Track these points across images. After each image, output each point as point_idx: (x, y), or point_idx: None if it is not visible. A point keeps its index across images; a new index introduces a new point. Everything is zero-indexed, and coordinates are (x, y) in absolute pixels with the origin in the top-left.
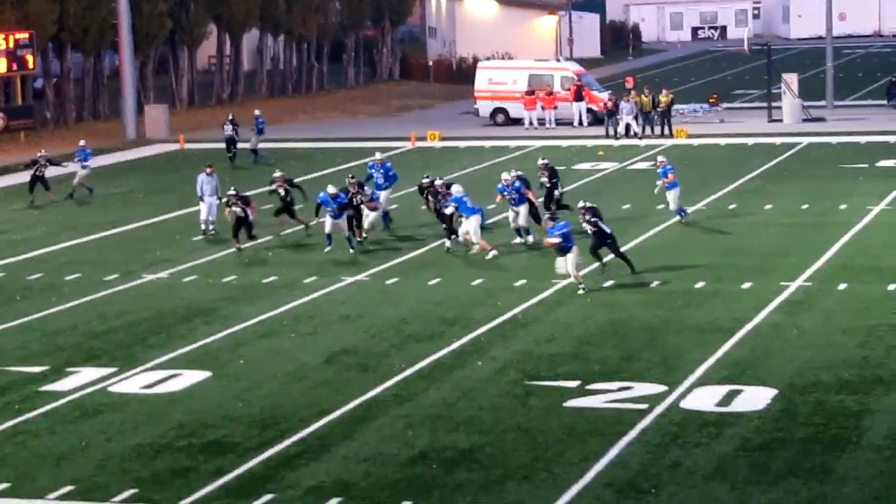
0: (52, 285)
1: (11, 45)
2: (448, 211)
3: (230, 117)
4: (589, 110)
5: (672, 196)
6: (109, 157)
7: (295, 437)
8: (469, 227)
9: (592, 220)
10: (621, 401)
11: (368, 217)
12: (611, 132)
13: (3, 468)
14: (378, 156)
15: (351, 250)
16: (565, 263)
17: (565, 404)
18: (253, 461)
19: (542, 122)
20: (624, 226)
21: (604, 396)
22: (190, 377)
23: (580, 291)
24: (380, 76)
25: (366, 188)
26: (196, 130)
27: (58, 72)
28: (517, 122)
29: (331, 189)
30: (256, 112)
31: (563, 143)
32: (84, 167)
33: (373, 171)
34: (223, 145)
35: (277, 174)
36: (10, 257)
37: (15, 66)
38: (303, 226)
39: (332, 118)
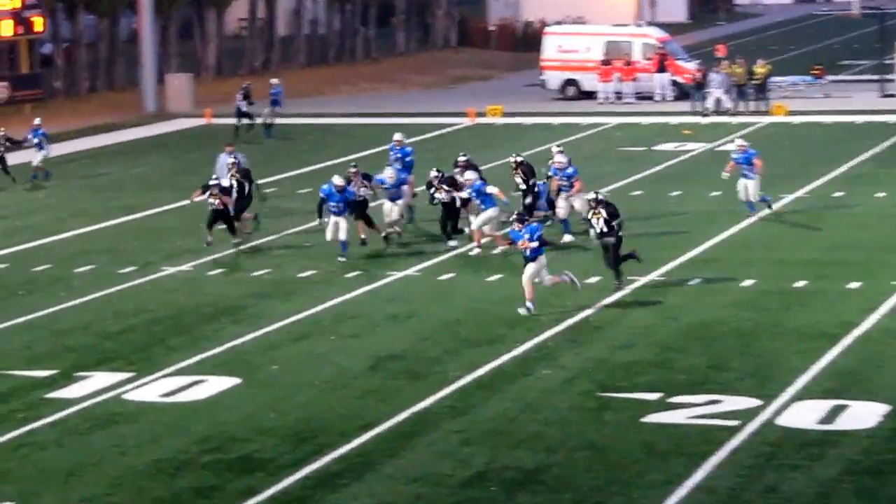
0: (61, 278)
1: (18, 5)
2: (464, 194)
3: (244, 87)
4: (673, 83)
5: (752, 186)
6: (126, 133)
7: (335, 454)
8: (486, 218)
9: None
10: (709, 416)
11: (392, 211)
12: (698, 108)
13: (6, 485)
14: (398, 136)
15: (341, 258)
16: (538, 273)
17: (644, 419)
18: (287, 480)
19: (618, 95)
20: (712, 216)
21: (688, 411)
22: (216, 384)
23: (522, 311)
24: (433, 42)
25: (383, 177)
26: (224, 103)
27: (69, 36)
28: (590, 95)
29: (337, 180)
30: (273, 81)
31: (642, 121)
32: (40, 149)
33: (392, 154)
34: (248, 120)
35: (230, 159)
36: (13, 246)
37: (21, 30)
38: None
39: (378, 90)
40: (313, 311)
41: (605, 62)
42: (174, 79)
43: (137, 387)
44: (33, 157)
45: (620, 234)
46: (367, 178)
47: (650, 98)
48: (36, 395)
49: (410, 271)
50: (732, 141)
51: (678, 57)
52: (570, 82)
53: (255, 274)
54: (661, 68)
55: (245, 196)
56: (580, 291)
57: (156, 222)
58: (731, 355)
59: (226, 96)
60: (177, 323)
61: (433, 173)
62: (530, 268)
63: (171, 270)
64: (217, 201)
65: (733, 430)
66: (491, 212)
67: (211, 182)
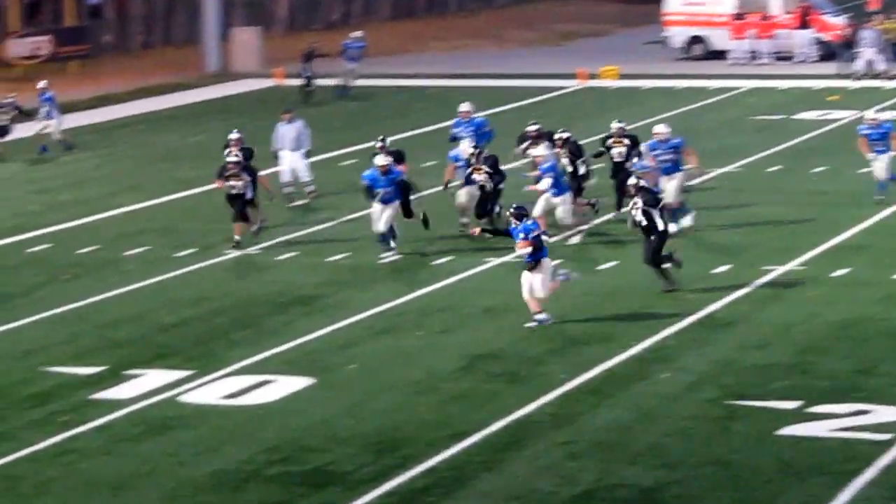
0: (110, 262)
1: None
2: (542, 187)
3: (309, 46)
4: (817, 41)
5: (883, 163)
6: (185, 96)
7: (421, 467)
8: (565, 208)
9: (644, 206)
10: (855, 429)
11: (459, 195)
12: (846, 70)
13: (46, 497)
14: (466, 106)
15: (391, 251)
16: (534, 282)
17: (779, 432)
18: (366, 496)
19: (753, 55)
20: (860, 197)
21: (831, 423)
22: (285, 385)
23: (531, 324)
24: None
25: (458, 152)
26: (297, 61)
27: None
28: (720, 55)
29: (381, 160)
30: (355, 34)
31: (780, 84)
32: (49, 117)
33: (458, 129)
34: (324, 82)
35: (234, 135)
36: (56, 224)
37: None
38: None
39: (473, 47)
40: (397, 302)
41: (739, 16)
42: (240, 34)
43: (195, 387)
44: (43, 126)
45: (665, 227)
46: (399, 155)
47: (790, 58)
48: (80, 396)
49: (508, 258)
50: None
51: (823, 11)
52: (697, 39)
53: (331, 259)
54: (804, 24)
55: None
56: (679, 287)
57: (218, 199)
58: (882, 358)
59: (299, 54)
60: (241, 314)
61: (469, 149)
62: (527, 276)
63: (235, 254)
64: (240, 183)
65: (883, 446)
66: (564, 198)
67: (230, 160)
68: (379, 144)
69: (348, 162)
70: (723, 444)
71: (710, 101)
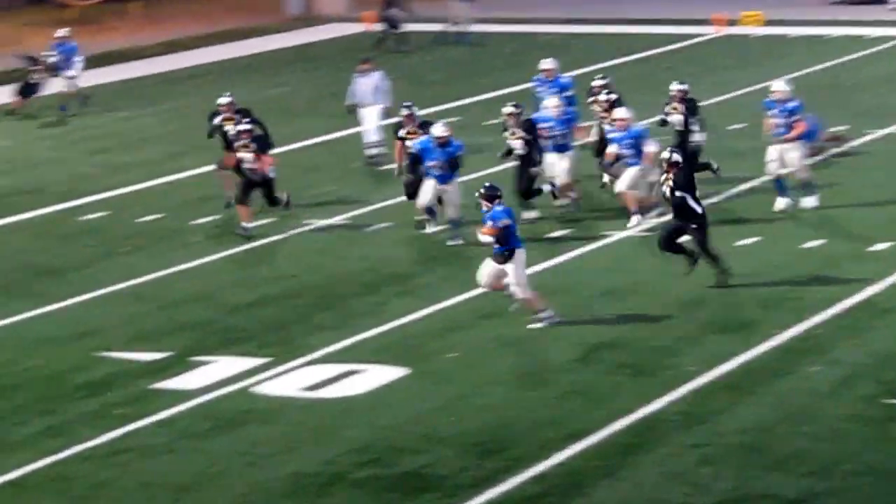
0: (175, 232)
1: None
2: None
3: None
4: None
5: None
6: (262, 42)
7: (531, 471)
8: (633, 177)
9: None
10: None
11: (558, 166)
12: None
13: (100, 500)
14: (549, 63)
15: (456, 239)
16: (503, 274)
17: None
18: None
19: None
20: None
21: None
22: (375, 375)
23: (538, 325)
24: None
25: (547, 113)
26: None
27: None
28: None
29: (440, 129)
30: None
31: None
32: (68, 68)
33: (540, 89)
34: (421, 27)
35: (225, 98)
36: (115, 188)
37: None
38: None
39: None
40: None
41: None
42: None
43: (272, 377)
44: (61, 80)
45: (703, 210)
46: (424, 124)
47: None
48: (140, 385)
49: (633, 231)
50: None
51: None
52: None
53: (429, 231)
54: None
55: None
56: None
57: (299, 160)
58: None
59: None
60: (325, 294)
61: (506, 108)
62: (512, 268)
63: (318, 224)
64: (252, 158)
65: None
66: (637, 171)
67: (241, 127)
68: (405, 112)
69: (448, 120)
70: (881, 449)
71: (867, 51)
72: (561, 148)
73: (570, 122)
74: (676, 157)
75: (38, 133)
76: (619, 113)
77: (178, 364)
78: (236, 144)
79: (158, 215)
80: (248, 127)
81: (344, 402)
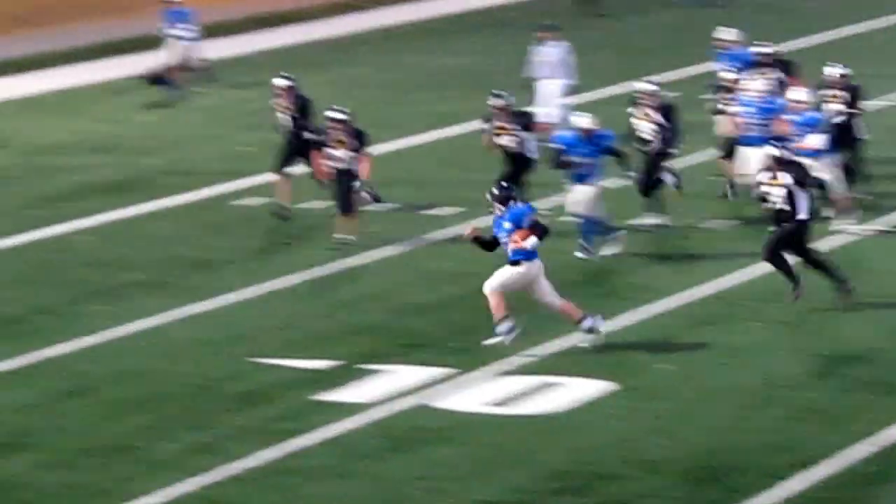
0: None
1: None
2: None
3: None
4: None
5: None
6: (444, 3)
7: (753, 503)
8: (835, 174)
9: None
10: None
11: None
12: None
13: None
14: (725, 33)
15: (587, 253)
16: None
17: None
18: None
19: None
20: None
21: None
22: (576, 390)
23: (494, 340)
24: None
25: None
26: None
27: None
28: None
29: (583, 120)
30: None
31: None
32: (182, 39)
33: (718, 63)
34: None
35: (282, 81)
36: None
37: None
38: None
39: None
40: (723, 283)
41: None
42: None
43: (455, 390)
44: (181, 50)
45: (808, 216)
46: (525, 117)
47: None
48: (303, 397)
49: (867, 226)
50: None
51: None
52: None
53: (639, 221)
54: None
55: (300, 145)
56: None
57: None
58: None
59: None
60: (515, 295)
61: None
62: (502, 275)
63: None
64: (339, 154)
65: None
66: (830, 159)
67: (329, 113)
68: (498, 102)
69: (676, 94)
70: None
71: None
72: (755, 141)
73: (773, 111)
74: (786, 154)
75: (187, 105)
76: (798, 93)
77: (347, 373)
78: (329, 141)
79: (325, 203)
80: (342, 116)
81: (538, 419)
